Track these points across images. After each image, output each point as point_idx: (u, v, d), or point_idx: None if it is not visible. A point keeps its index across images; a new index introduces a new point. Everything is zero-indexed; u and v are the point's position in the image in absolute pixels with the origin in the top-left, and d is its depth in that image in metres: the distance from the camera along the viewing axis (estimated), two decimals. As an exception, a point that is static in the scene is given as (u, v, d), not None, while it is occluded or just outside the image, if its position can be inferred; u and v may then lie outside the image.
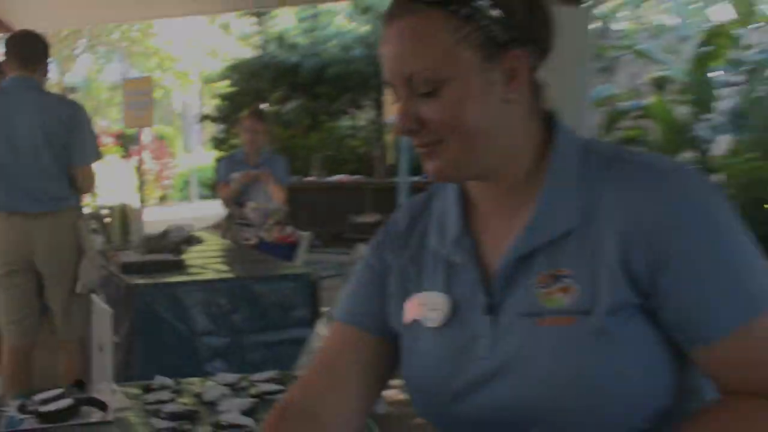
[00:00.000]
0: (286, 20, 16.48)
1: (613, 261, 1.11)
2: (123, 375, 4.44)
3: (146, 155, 19.48)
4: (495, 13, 1.13)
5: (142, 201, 11.39)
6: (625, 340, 1.10)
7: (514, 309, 1.17)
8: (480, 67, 1.14)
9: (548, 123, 1.23)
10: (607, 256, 1.11)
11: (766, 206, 10.43)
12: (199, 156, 23.03)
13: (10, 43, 4.48)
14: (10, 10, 12.18)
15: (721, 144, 11.63)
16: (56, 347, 4.63)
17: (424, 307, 1.25)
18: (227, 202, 6.56)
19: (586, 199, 1.15)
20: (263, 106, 14.92)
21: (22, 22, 12.68)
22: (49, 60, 4.55)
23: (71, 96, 20.30)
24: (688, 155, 11.71)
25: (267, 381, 2.36)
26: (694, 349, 1.11)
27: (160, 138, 22.02)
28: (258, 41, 16.71)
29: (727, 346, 1.08)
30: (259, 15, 16.13)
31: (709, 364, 1.11)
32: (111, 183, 17.44)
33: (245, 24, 17.66)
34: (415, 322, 1.27)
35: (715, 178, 11.37)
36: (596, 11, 13.36)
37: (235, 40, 19.22)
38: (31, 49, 4.43)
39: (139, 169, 12.37)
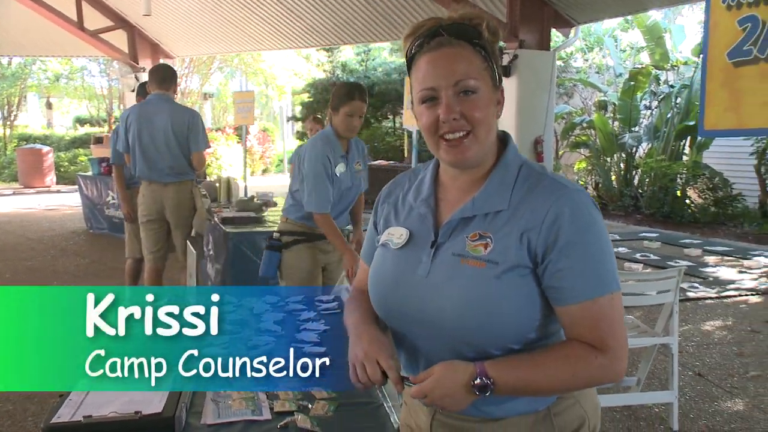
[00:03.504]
0: (347, 53, 16.70)
1: (520, 238, 1.19)
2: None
3: (254, 141, 19.76)
4: (494, 61, 1.25)
5: (251, 173, 11.57)
6: (513, 285, 1.19)
7: (450, 249, 1.24)
8: (491, 90, 1.24)
9: (502, 140, 1.31)
10: (517, 234, 1.19)
11: (680, 194, 10.33)
12: (289, 142, 23.15)
13: (151, 72, 4.60)
14: (170, 43, 12.39)
15: (641, 150, 11.52)
16: (179, 269, 4.78)
17: (392, 236, 1.33)
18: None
19: (515, 194, 1.23)
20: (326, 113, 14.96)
21: (176, 52, 12.90)
22: (177, 82, 4.66)
23: (208, 99, 20.47)
24: (617, 156, 11.62)
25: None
26: (557, 305, 1.19)
27: (264, 130, 22.12)
28: (328, 67, 16.78)
29: (578, 309, 1.17)
30: (329, 50, 16.20)
31: (564, 318, 1.20)
32: (229, 159, 17.70)
33: (320, 55, 17.66)
34: (384, 244, 1.34)
35: (636, 173, 11.31)
36: (561, 53, 13.19)
37: (313, 66, 19.28)
38: (165, 76, 4.55)
39: (248, 151, 12.50)
